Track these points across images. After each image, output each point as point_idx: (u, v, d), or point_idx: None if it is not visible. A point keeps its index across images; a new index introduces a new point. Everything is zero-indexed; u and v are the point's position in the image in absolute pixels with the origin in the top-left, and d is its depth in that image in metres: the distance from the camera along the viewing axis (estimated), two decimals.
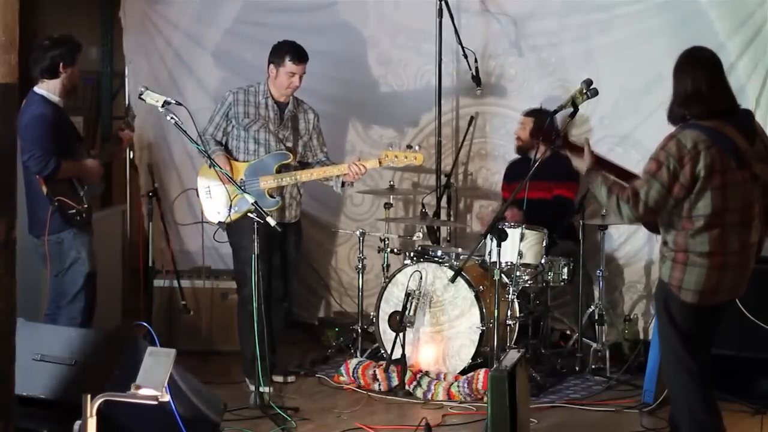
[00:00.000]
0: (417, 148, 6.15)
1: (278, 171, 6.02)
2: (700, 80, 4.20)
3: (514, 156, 6.88)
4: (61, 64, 5.55)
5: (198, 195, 6.18)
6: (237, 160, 6.06)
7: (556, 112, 4.95)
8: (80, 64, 5.72)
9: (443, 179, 6.91)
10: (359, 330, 6.54)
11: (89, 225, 5.66)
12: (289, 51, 6.03)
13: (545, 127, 4.48)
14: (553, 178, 6.53)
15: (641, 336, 6.67)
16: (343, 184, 6.14)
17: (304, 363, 6.56)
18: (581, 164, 4.39)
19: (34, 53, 5.57)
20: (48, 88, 5.56)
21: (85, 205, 5.60)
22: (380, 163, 6.09)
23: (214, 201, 6.03)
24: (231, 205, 5.82)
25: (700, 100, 4.19)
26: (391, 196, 6.90)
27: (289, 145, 6.11)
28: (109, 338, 4.87)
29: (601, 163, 4.39)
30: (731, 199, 4.15)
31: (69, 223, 5.51)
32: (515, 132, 6.83)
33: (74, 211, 5.53)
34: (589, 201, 6.36)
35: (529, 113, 6.68)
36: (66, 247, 5.54)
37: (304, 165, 6.16)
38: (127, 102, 6.09)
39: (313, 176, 6.08)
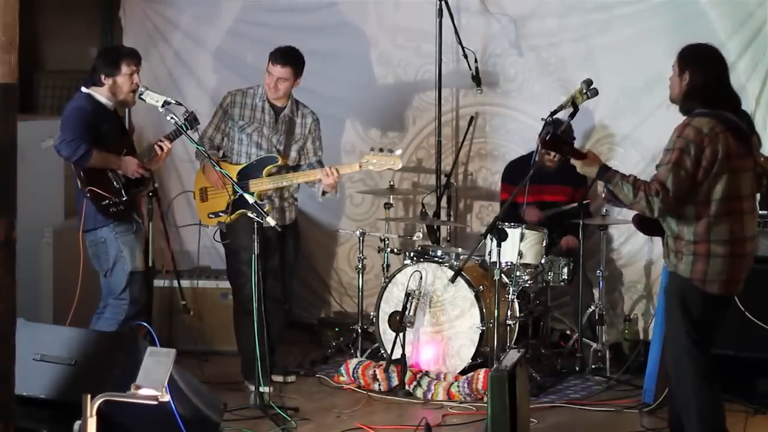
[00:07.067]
0: (400, 152, 6.06)
1: (269, 174, 5.96)
2: (710, 74, 4.28)
3: (514, 156, 6.88)
4: (101, 75, 5.59)
5: (194, 197, 6.17)
6: (231, 162, 6.05)
7: (555, 112, 4.94)
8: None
9: (443, 179, 6.90)
10: (359, 330, 6.53)
11: (131, 221, 5.63)
12: (274, 52, 5.97)
13: (553, 137, 4.40)
14: (571, 182, 6.55)
15: (641, 336, 6.66)
16: (324, 193, 6.00)
17: (304, 363, 6.55)
18: (590, 168, 4.35)
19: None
20: (95, 90, 5.61)
21: (124, 198, 5.56)
22: (360, 166, 6.01)
23: (210, 203, 6.01)
24: (229, 206, 5.79)
25: (710, 92, 4.26)
26: (391, 196, 6.89)
27: (281, 148, 6.06)
28: (109, 338, 4.87)
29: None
30: (743, 185, 4.20)
31: (105, 215, 5.50)
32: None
33: (107, 201, 5.50)
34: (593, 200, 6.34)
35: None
36: (109, 246, 5.56)
37: (297, 169, 6.11)
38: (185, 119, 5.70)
39: (294, 180, 6.01)
